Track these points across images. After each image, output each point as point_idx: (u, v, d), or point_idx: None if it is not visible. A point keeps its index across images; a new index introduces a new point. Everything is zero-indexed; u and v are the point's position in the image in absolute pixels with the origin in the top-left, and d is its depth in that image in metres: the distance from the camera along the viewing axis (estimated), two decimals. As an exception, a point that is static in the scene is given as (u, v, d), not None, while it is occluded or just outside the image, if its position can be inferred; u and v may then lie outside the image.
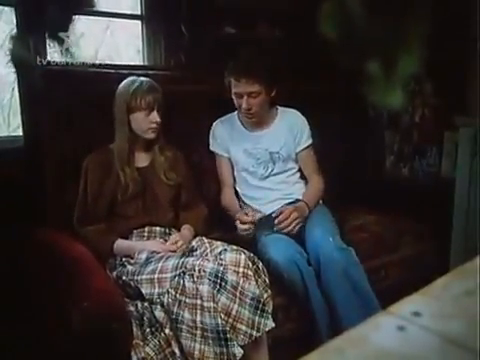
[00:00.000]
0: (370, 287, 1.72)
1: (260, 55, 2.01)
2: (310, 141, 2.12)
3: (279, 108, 2.13)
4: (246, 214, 1.89)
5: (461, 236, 2.22)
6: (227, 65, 1.94)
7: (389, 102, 0.39)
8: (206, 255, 1.57)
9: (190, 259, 1.50)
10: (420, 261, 2.19)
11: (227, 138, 2.10)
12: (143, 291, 1.50)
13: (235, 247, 1.58)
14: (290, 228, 1.85)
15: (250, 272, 1.50)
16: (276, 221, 1.86)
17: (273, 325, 1.49)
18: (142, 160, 1.82)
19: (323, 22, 0.36)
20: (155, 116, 1.72)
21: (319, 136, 2.19)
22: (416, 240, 2.25)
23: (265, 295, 1.54)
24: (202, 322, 1.39)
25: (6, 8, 2.04)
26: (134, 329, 1.40)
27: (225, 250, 1.55)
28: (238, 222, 1.88)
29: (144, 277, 1.52)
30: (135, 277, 1.54)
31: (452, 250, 2.24)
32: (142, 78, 1.76)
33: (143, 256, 1.60)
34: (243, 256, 1.52)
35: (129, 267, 1.60)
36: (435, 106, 2.47)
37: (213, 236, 1.81)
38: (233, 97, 1.95)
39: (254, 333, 1.45)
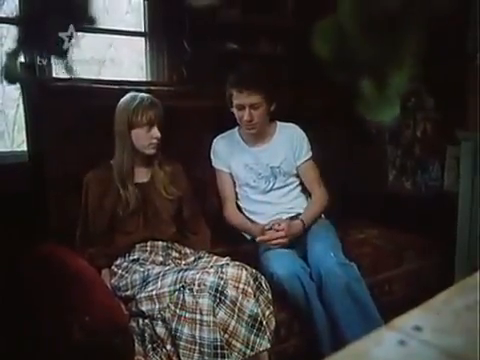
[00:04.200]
0: (372, 302, 1.71)
1: (261, 68, 2.08)
2: (310, 154, 2.12)
3: (278, 123, 2.15)
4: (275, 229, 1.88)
5: (464, 250, 2.20)
6: (228, 78, 1.97)
7: (382, 118, 0.40)
8: (206, 268, 1.56)
9: (190, 273, 1.49)
10: (424, 276, 2.18)
11: (228, 153, 2.11)
12: (143, 309, 1.50)
13: (237, 263, 1.57)
14: (279, 242, 1.85)
15: (250, 290, 1.48)
16: (260, 238, 1.86)
17: (268, 346, 1.47)
18: (142, 176, 1.82)
19: (317, 40, 0.37)
20: (156, 132, 1.74)
21: (322, 150, 2.20)
22: (419, 254, 2.23)
23: (267, 312, 1.53)
24: (201, 337, 1.37)
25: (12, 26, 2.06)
26: (136, 345, 1.39)
27: (227, 264, 1.54)
28: (266, 237, 1.87)
29: (143, 295, 1.51)
30: (136, 297, 1.54)
31: (456, 264, 2.22)
32: (143, 94, 1.77)
33: (137, 276, 1.60)
34: (244, 272, 1.51)
35: (127, 280, 1.61)
36: (436, 121, 2.48)
37: (215, 251, 1.81)
38: (234, 110, 1.98)
39: (248, 352, 1.43)
